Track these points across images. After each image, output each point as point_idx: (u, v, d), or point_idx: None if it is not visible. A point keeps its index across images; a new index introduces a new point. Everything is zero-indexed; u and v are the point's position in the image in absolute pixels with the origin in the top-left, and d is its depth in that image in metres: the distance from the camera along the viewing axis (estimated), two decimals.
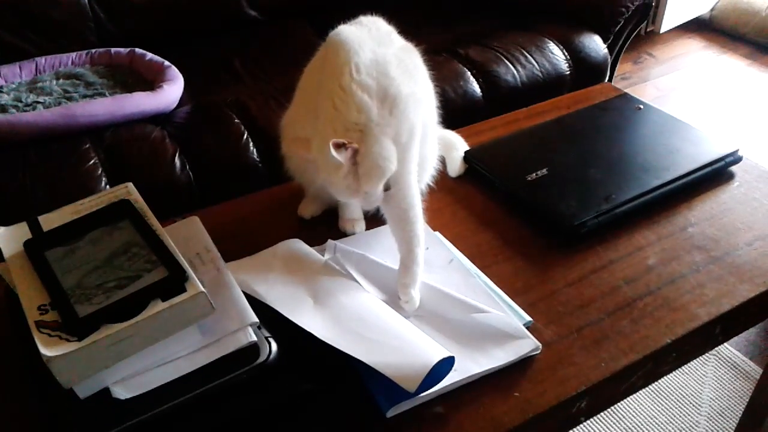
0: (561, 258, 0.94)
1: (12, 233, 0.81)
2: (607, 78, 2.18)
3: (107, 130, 1.67)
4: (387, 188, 0.82)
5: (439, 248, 0.93)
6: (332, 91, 0.80)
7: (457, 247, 0.94)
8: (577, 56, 2.06)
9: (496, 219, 1.01)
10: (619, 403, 1.56)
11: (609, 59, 2.16)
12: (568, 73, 2.04)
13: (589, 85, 1.38)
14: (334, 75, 0.81)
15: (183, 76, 1.85)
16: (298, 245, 0.92)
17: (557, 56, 2.04)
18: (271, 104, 1.76)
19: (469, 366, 0.76)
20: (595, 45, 2.11)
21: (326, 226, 0.99)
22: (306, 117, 0.90)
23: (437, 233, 0.96)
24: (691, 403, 1.60)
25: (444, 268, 0.90)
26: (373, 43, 0.85)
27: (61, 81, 1.84)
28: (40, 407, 0.72)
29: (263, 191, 1.10)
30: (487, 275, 0.90)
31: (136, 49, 1.95)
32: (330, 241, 0.92)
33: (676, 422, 1.56)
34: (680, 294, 0.88)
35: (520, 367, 0.78)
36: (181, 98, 1.81)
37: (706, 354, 1.70)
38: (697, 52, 3.26)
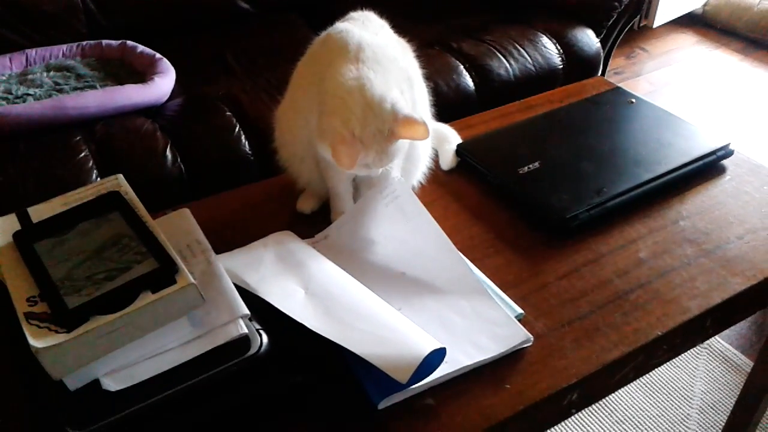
0: (553, 251, 0.94)
1: (1, 225, 0.80)
2: (599, 72, 2.18)
3: (98, 122, 1.66)
4: None
5: None
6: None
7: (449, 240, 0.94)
8: (569, 50, 2.06)
9: (488, 212, 1.01)
10: (610, 396, 1.58)
11: (602, 53, 2.16)
12: (561, 67, 2.04)
13: (582, 80, 1.38)
14: (347, 58, 0.85)
15: (175, 68, 1.84)
16: (289, 237, 0.92)
17: (550, 50, 2.04)
18: (263, 97, 1.76)
19: (460, 358, 0.76)
20: (588, 39, 2.11)
21: (317, 219, 0.99)
22: (303, 109, 0.90)
23: None
24: (682, 396, 1.61)
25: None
26: (371, 37, 0.87)
27: (51, 73, 1.83)
28: (29, 399, 0.72)
29: (254, 184, 1.10)
30: (478, 268, 0.89)
31: (128, 42, 1.94)
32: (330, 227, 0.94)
33: (668, 415, 1.57)
34: (671, 287, 0.88)
35: (512, 359, 0.78)
36: (173, 91, 1.80)
37: (698, 347, 1.71)
38: (690, 47, 3.27)
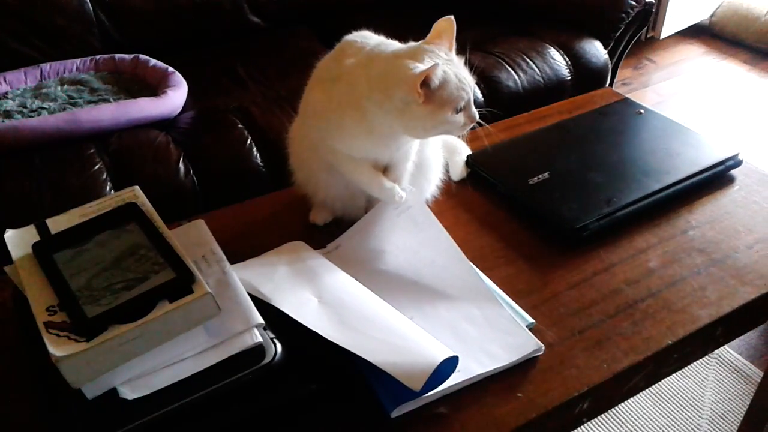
0: (563, 261, 0.95)
1: (20, 236, 0.82)
2: (607, 83, 2.19)
3: (112, 135, 1.68)
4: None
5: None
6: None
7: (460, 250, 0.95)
8: (577, 62, 2.08)
9: (499, 222, 1.02)
10: (620, 406, 1.58)
11: (609, 65, 2.17)
12: (569, 78, 2.06)
13: (590, 91, 1.39)
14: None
15: (187, 82, 1.86)
16: (302, 247, 0.93)
17: (558, 62, 2.05)
18: (274, 109, 1.77)
19: (472, 366, 0.77)
20: (596, 50, 2.12)
21: (329, 230, 1.00)
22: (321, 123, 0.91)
23: None
24: (692, 406, 1.61)
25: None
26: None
27: (65, 87, 1.85)
28: (48, 407, 0.73)
29: (267, 195, 1.11)
30: (489, 277, 0.90)
31: (140, 56, 1.96)
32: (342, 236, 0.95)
33: (678, 425, 1.56)
34: (681, 296, 0.88)
35: (523, 368, 0.79)
36: (185, 104, 1.83)
37: (707, 357, 1.70)
38: (697, 57, 3.28)
